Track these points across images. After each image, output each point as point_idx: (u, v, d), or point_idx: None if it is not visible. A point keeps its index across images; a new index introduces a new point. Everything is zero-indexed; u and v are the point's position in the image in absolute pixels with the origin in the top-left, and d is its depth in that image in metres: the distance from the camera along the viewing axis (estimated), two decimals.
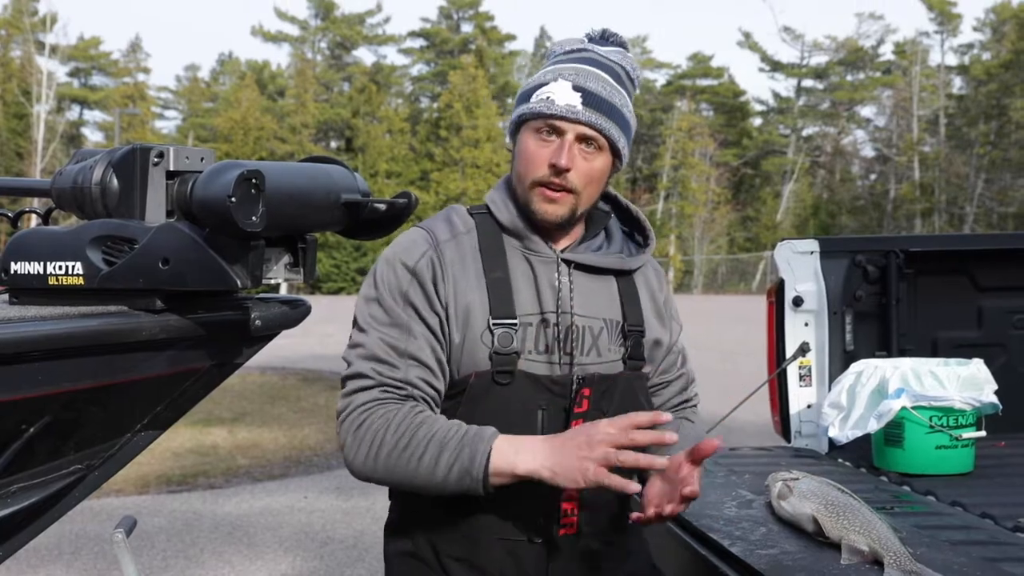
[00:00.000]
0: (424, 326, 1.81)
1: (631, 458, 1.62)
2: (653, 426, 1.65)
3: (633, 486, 1.66)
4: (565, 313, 1.86)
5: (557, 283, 1.88)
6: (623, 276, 1.97)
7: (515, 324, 1.82)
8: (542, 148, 1.82)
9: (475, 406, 1.80)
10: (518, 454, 1.68)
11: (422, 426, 1.72)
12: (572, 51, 1.91)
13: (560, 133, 1.81)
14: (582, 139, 1.82)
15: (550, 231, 1.89)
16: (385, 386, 1.78)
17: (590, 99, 1.82)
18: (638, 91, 1.97)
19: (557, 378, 1.84)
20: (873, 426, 3.10)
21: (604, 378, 1.87)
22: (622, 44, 1.95)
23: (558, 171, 1.81)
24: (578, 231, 1.95)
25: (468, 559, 1.86)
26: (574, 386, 1.84)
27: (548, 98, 1.82)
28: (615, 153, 1.87)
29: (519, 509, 1.82)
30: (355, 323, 1.86)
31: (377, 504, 6.83)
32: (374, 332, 1.81)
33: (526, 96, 1.87)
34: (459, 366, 1.82)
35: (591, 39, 1.95)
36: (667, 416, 1.66)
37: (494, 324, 1.81)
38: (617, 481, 1.62)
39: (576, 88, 1.82)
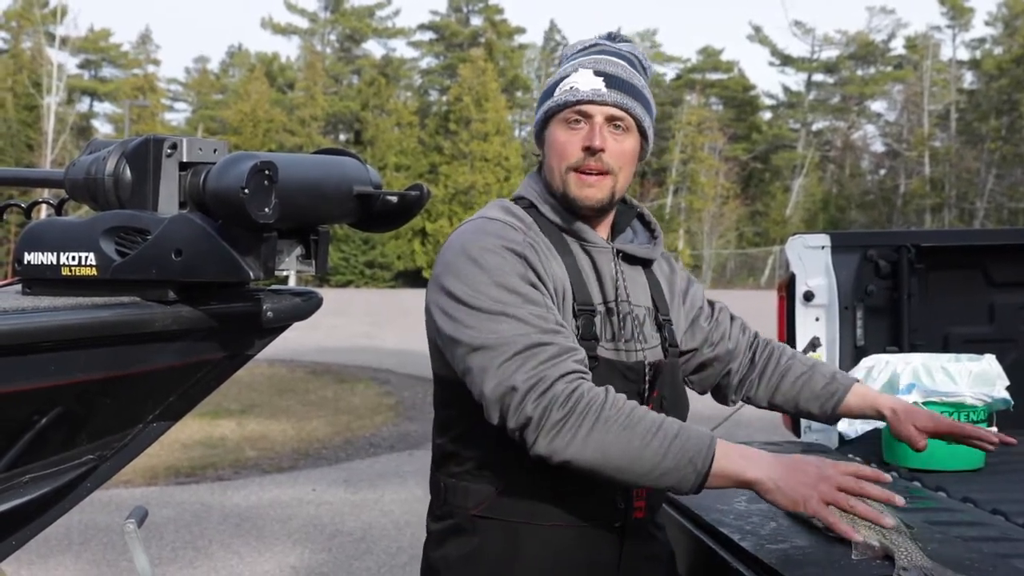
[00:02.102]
0: (550, 300, 1.79)
1: (861, 508, 1.67)
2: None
3: (856, 536, 1.72)
4: (624, 301, 1.92)
5: (615, 273, 1.93)
6: (647, 266, 2.05)
7: (594, 311, 1.86)
8: (573, 135, 1.87)
9: None
10: (747, 460, 1.68)
11: (637, 409, 1.68)
12: (586, 48, 1.97)
13: (588, 117, 1.86)
14: (610, 121, 1.87)
15: (591, 221, 1.94)
16: (571, 351, 1.71)
17: (613, 81, 1.87)
18: (649, 80, 2.02)
19: (631, 364, 1.89)
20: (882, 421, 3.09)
21: (663, 364, 1.95)
22: (629, 42, 2.02)
23: (593, 152, 1.85)
24: (610, 222, 2.00)
25: (547, 551, 1.84)
26: (648, 372, 1.91)
27: (572, 87, 1.87)
28: (642, 134, 1.93)
29: (601, 494, 1.85)
30: (479, 312, 1.73)
31: (385, 497, 6.85)
32: (520, 309, 1.72)
33: (549, 93, 1.92)
34: None
35: (601, 39, 2.02)
36: (888, 477, 1.71)
37: (579, 310, 1.84)
38: (839, 525, 1.68)
39: (598, 73, 1.87)
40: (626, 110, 1.87)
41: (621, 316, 1.91)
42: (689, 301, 2.16)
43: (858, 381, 2.19)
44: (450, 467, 1.90)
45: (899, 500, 1.70)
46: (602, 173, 1.86)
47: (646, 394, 1.90)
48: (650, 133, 1.95)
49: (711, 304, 2.23)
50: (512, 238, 1.81)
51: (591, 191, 1.87)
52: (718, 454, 1.66)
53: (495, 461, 1.84)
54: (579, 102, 1.86)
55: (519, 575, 1.84)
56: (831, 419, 2.18)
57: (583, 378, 1.69)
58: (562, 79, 1.90)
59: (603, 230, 1.97)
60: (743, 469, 1.67)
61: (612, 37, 2.01)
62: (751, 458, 1.68)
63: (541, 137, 1.95)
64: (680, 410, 1.99)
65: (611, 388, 1.70)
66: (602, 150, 1.85)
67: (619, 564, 1.90)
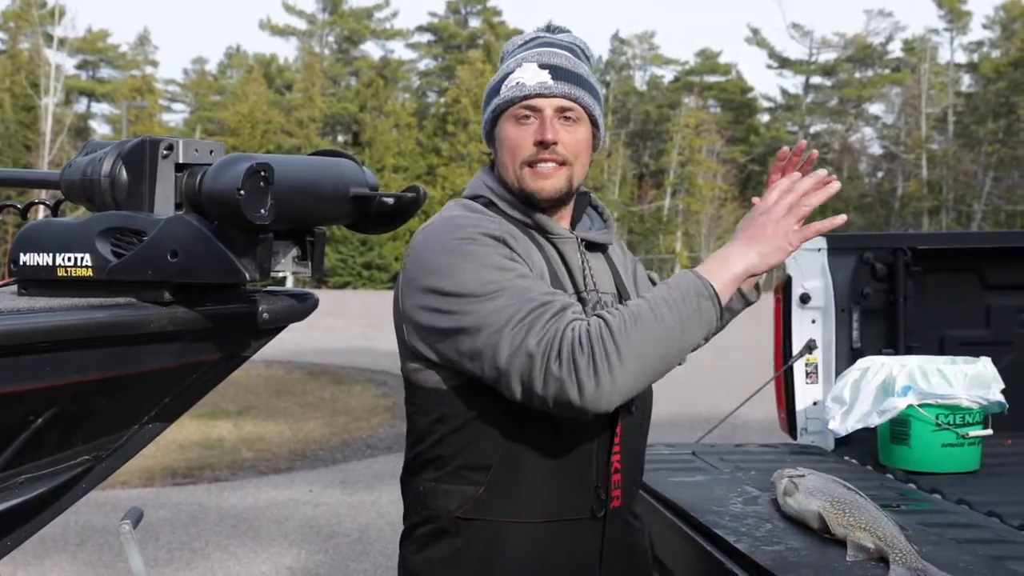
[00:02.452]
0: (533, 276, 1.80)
1: (816, 198, 1.74)
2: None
3: (839, 218, 1.75)
4: (593, 291, 1.92)
5: (581, 262, 1.93)
6: (605, 251, 2.05)
7: None
8: (523, 130, 1.87)
9: None
10: (726, 261, 1.73)
11: (625, 308, 1.69)
12: (526, 42, 1.97)
13: (538, 111, 1.86)
14: (560, 112, 1.87)
15: (551, 213, 1.93)
16: (570, 305, 1.73)
17: (559, 73, 1.87)
18: (593, 68, 2.02)
19: None
20: (875, 420, 3.10)
21: None
22: (568, 32, 2.02)
23: (546, 145, 1.85)
24: (570, 212, 2.00)
25: (532, 547, 1.84)
26: None
27: (518, 83, 1.87)
28: (593, 123, 1.93)
29: (583, 485, 1.85)
30: (473, 297, 1.71)
31: (382, 498, 6.84)
32: (514, 282, 1.72)
33: (495, 91, 1.92)
34: None
35: (540, 32, 2.02)
36: (797, 173, 1.77)
37: None
38: (821, 224, 1.75)
39: (542, 66, 1.88)
40: (574, 100, 1.87)
41: (592, 305, 1.90)
42: (639, 283, 2.17)
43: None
44: (429, 472, 1.87)
45: (829, 179, 1.75)
46: (558, 164, 1.87)
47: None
48: (600, 121, 1.96)
49: (651, 280, 2.24)
50: (486, 227, 1.82)
51: (547, 182, 1.87)
52: (707, 276, 1.71)
53: (478, 461, 1.82)
54: (527, 97, 1.85)
55: (504, 573, 1.83)
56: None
57: (580, 318, 1.69)
58: (507, 75, 1.90)
59: (564, 221, 1.97)
60: (730, 269, 1.72)
61: (551, 29, 2.01)
62: (727, 258, 1.74)
63: (492, 136, 1.95)
64: (646, 393, 1.97)
65: (601, 312, 1.70)
66: (555, 143, 1.85)
67: (601, 554, 1.90)
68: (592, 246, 2.01)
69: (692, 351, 1.76)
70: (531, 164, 1.87)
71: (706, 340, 1.79)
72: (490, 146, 1.97)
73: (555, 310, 1.68)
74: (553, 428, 1.79)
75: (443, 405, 1.84)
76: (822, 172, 1.75)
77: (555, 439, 1.82)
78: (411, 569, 1.91)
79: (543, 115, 1.85)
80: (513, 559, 1.83)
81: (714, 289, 1.69)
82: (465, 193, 1.99)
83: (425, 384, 1.86)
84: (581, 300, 1.88)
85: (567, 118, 1.87)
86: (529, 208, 1.91)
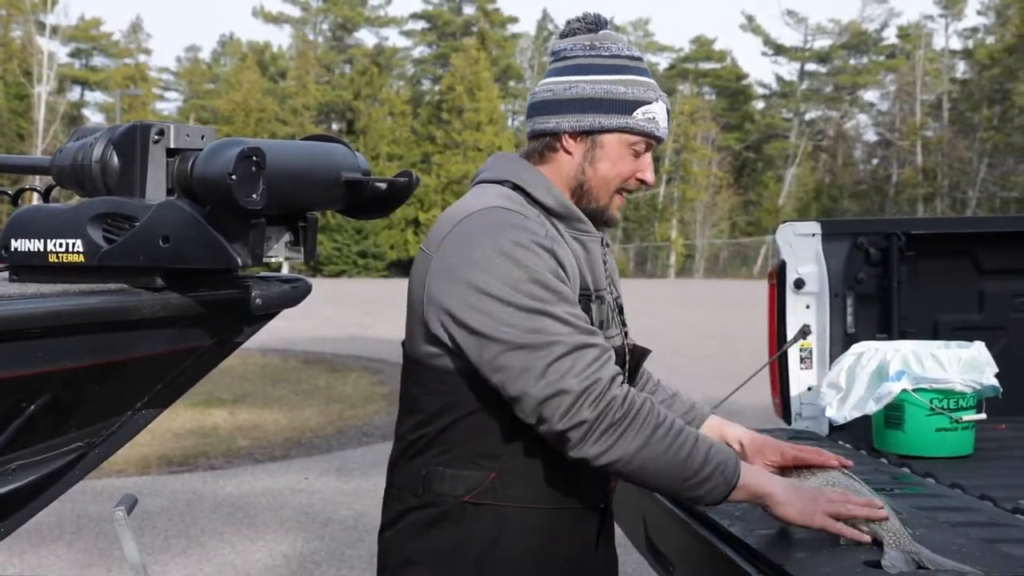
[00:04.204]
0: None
1: (856, 511, 1.86)
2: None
3: (864, 538, 1.85)
4: (607, 290, 1.97)
5: (603, 260, 1.98)
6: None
7: (590, 298, 1.90)
8: (634, 162, 1.92)
9: None
10: (762, 475, 1.86)
11: (676, 419, 1.77)
12: (635, 57, 1.94)
13: (648, 149, 1.94)
14: None
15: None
16: (610, 352, 1.77)
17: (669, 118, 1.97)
18: None
19: (618, 349, 1.94)
20: (872, 407, 3.10)
21: (635, 348, 2.03)
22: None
23: (645, 186, 1.96)
24: None
25: (536, 535, 1.84)
26: (628, 357, 1.99)
27: (655, 119, 1.91)
28: None
29: (591, 478, 1.86)
30: (515, 308, 1.70)
31: (378, 486, 6.79)
32: (557, 307, 1.72)
33: (628, 108, 1.88)
34: None
35: (591, 24, 1.98)
36: (883, 514, 1.86)
37: (579, 298, 1.85)
38: (846, 531, 1.85)
39: (667, 111, 1.95)
40: None
41: (608, 303, 1.96)
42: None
43: (713, 413, 2.31)
44: (432, 456, 1.85)
45: (882, 514, 1.86)
46: None
47: (629, 379, 1.97)
48: None
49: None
50: (537, 231, 1.78)
51: (618, 212, 1.98)
52: (742, 468, 1.78)
53: (490, 448, 1.81)
54: (657, 138, 1.92)
55: (506, 560, 1.82)
56: None
57: (626, 381, 1.77)
58: (645, 103, 1.89)
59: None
60: (760, 484, 1.81)
61: (603, 23, 1.98)
62: (764, 474, 1.87)
63: (592, 137, 1.89)
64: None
65: (648, 395, 1.77)
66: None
67: (597, 542, 1.94)
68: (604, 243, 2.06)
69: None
70: (622, 192, 1.94)
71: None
72: (573, 141, 1.91)
73: (596, 355, 1.72)
74: None
75: (458, 390, 1.81)
76: (878, 502, 1.88)
77: None
78: (407, 555, 1.90)
79: (648, 156, 1.94)
80: (518, 546, 1.83)
81: (737, 481, 1.77)
82: (489, 175, 1.94)
83: (441, 368, 1.82)
84: (599, 297, 1.91)
85: None
86: (580, 215, 1.93)
